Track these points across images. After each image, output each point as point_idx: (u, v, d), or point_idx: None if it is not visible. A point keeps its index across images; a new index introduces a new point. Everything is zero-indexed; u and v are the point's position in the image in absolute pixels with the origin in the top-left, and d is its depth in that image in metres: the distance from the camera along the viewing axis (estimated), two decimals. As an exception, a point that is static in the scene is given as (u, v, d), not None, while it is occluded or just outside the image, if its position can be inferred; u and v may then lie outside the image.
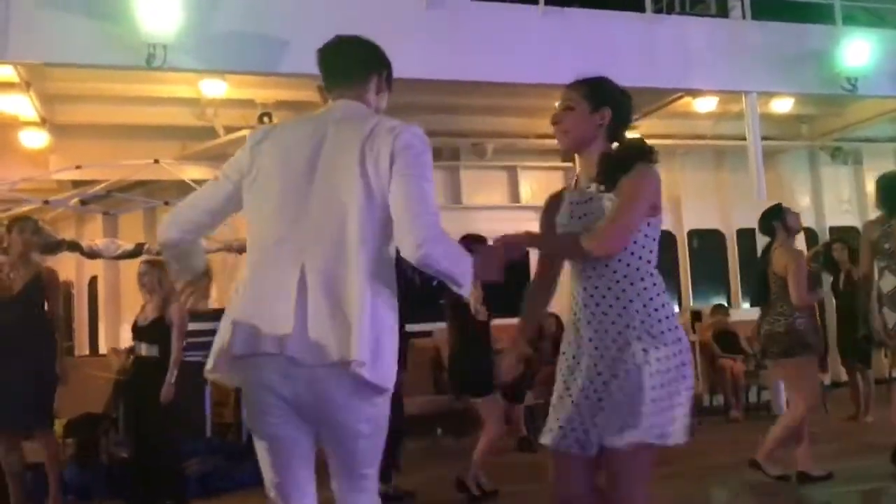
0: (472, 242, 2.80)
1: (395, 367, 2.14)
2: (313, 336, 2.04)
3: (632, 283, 2.46)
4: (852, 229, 11.32)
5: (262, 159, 2.21)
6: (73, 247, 7.02)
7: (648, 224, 2.48)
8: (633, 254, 2.47)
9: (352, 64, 2.34)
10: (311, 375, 2.06)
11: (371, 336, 2.05)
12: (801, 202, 11.08)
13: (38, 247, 5.39)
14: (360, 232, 2.09)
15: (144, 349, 5.40)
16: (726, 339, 8.82)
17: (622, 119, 2.62)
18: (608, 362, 2.46)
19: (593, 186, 2.54)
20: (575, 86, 2.63)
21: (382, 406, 2.16)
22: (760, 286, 5.52)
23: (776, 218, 5.55)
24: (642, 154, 2.54)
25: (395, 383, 2.19)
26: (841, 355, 8.08)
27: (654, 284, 2.48)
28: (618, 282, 2.47)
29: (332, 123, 2.22)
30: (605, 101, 2.58)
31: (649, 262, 2.50)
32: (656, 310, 2.45)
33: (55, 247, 6.09)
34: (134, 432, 5.66)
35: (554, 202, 2.71)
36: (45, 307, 5.21)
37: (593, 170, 2.56)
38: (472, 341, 5.33)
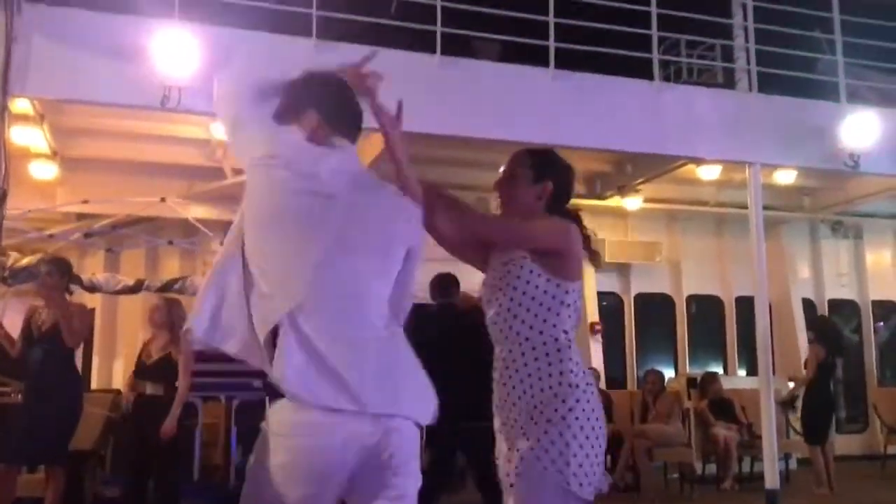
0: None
1: None
2: None
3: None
4: (850, 303, 11.37)
5: None
6: (74, 280, 7.06)
7: (548, 280, 2.42)
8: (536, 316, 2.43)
9: None
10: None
11: None
12: (801, 273, 11.15)
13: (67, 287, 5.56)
14: None
15: (150, 388, 5.45)
16: (721, 407, 8.77)
17: (562, 193, 2.60)
18: None
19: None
20: (520, 155, 2.62)
21: None
22: None
23: None
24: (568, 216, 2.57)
25: None
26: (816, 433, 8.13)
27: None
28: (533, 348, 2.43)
29: None
30: (547, 173, 2.57)
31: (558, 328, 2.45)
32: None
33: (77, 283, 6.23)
34: (132, 470, 5.64)
35: None
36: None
37: None
38: None
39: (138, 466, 5.45)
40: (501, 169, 2.62)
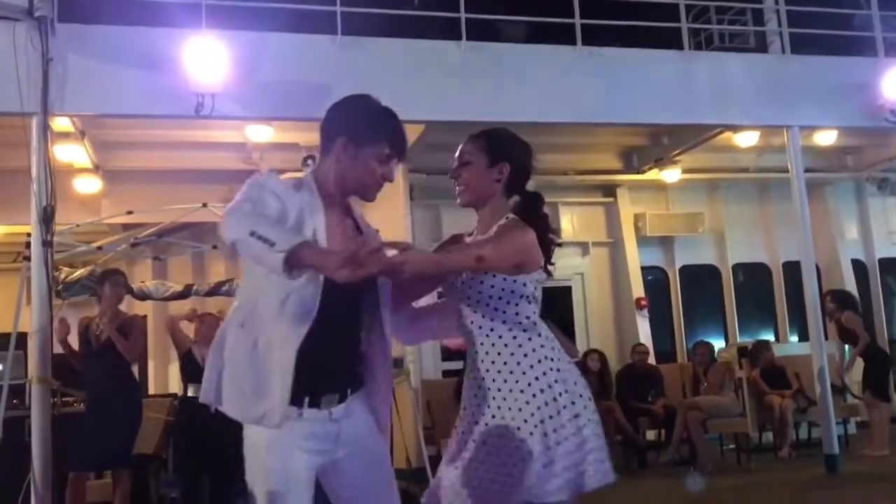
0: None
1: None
2: None
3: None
4: (902, 261, 11.13)
5: None
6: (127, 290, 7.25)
7: (504, 278, 2.39)
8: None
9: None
10: None
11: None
12: (849, 234, 10.94)
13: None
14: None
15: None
16: (774, 374, 8.67)
17: (521, 172, 2.54)
18: None
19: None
20: (473, 139, 2.56)
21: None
22: None
23: None
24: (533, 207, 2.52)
25: None
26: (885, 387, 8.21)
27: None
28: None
29: None
30: (503, 155, 2.52)
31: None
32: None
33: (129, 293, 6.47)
34: (187, 472, 5.80)
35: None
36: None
37: (489, 224, 2.50)
38: None
39: (194, 468, 5.61)
40: (456, 155, 2.57)
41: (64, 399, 6.44)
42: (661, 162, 9.64)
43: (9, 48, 5.70)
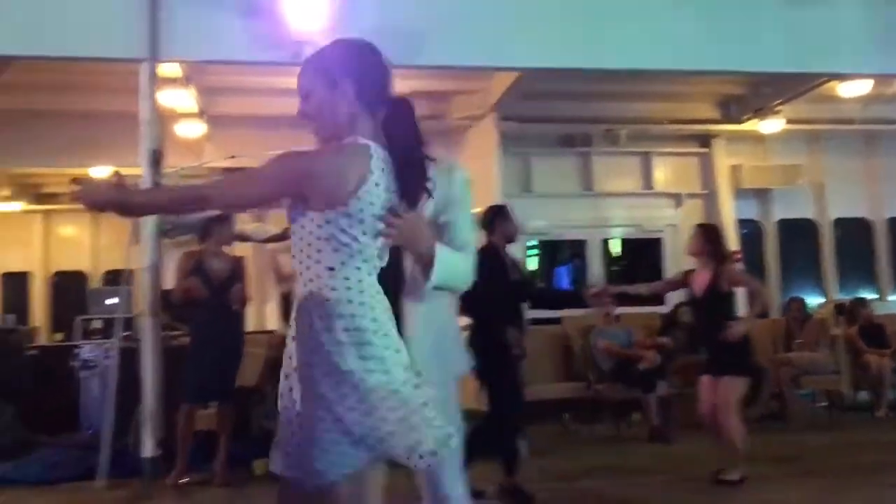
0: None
1: None
2: None
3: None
4: None
5: None
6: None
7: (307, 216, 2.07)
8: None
9: None
10: None
11: None
12: (965, 189, 10.43)
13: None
14: None
15: None
16: (872, 332, 8.43)
17: (370, 81, 2.14)
18: None
19: None
20: (303, 67, 2.18)
21: None
22: None
23: None
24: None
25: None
26: None
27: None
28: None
29: None
30: (341, 71, 2.12)
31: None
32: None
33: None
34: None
35: None
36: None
37: None
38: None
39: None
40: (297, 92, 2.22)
41: (172, 333, 6.79)
42: (760, 112, 9.34)
43: (118, -4, 5.92)
